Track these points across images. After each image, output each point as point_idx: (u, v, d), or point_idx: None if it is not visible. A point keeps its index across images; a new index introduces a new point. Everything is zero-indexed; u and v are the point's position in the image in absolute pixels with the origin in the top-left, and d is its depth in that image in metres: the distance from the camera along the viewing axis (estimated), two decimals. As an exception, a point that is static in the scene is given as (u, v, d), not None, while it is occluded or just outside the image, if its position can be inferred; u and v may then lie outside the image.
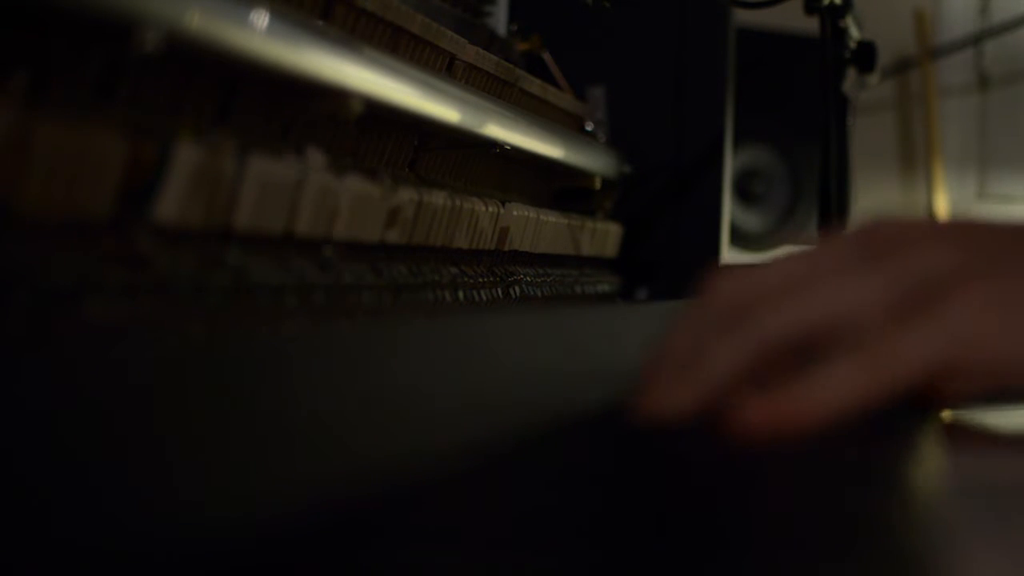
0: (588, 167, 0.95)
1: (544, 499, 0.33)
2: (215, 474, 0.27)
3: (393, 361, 0.37)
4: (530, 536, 0.29)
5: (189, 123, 0.47)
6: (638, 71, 1.08)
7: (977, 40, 2.62)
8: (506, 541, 0.28)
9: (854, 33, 1.08)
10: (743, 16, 1.16)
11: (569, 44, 1.03)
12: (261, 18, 0.45)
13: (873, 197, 2.49)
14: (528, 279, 0.80)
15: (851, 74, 1.08)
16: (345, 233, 0.53)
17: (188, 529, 0.26)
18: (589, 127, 1.02)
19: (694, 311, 0.45)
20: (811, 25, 1.03)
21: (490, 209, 0.72)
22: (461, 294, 0.69)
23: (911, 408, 0.45)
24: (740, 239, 1.70)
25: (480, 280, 0.72)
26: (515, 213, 0.76)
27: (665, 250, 1.09)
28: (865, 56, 1.08)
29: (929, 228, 0.46)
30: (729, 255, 1.12)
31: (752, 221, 1.87)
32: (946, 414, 0.50)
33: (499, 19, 1.02)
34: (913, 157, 2.70)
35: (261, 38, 0.45)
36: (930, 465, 0.42)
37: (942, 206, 2.60)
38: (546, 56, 1.00)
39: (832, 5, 1.00)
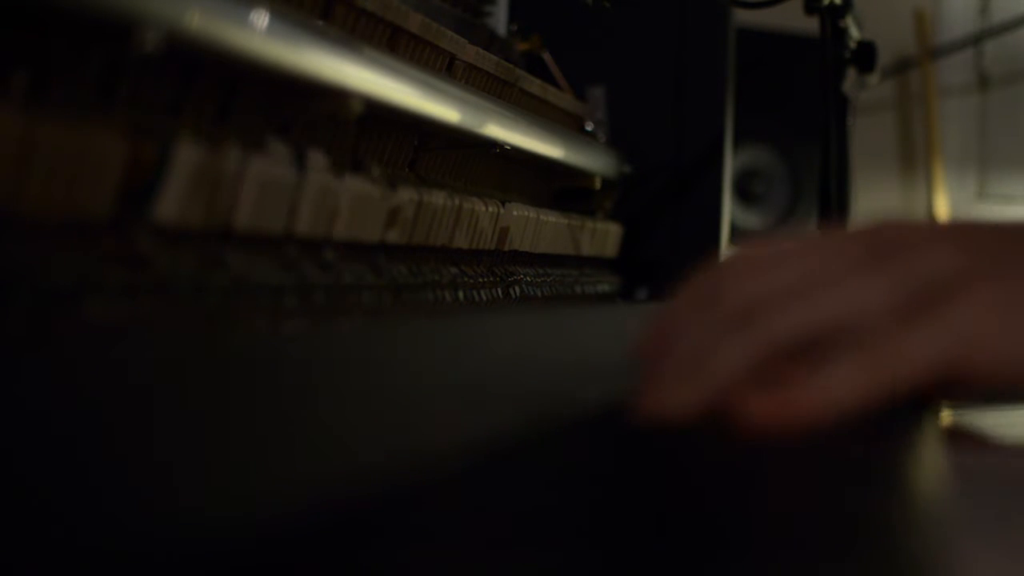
0: (588, 167, 0.95)
1: (544, 499, 0.33)
2: (215, 474, 0.27)
3: (393, 361, 0.37)
4: (530, 536, 0.28)
5: (189, 123, 0.47)
6: (638, 71, 1.08)
7: (977, 40, 2.62)
8: (506, 541, 0.28)
9: (854, 33, 1.08)
10: (743, 16, 1.16)
11: (569, 44, 1.03)
12: (261, 18, 0.45)
13: (873, 197, 2.49)
14: (528, 279, 0.80)
15: (851, 74, 1.08)
16: (345, 233, 0.53)
17: (188, 529, 0.26)
18: (589, 127, 1.02)
19: (683, 299, 0.45)
20: (811, 25, 1.03)
21: (490, 209, 0.72)
22: (461, 294, 0.69)
23: (913, 407, 0.45)
24: (740, 239, 1.70)
25: (480, 280, 0.72)
26: (515, 213, 0.76)
27: (665, 250, 1.09)
28: (865, 56, 1.08)
29: (932, 230, 0.46)
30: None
31: (752, 221, 1.87)
32: (946, 414, 0.50)
33: (499, 19, 1.02)
34: (913, 157, 2.70)
35: (261, 38, 0.45)
36: (930, 465, 0.42)
37: (942, 206, 2.60)
38: (546, 56, 1.00)
39: (832, 5, 1.00)
